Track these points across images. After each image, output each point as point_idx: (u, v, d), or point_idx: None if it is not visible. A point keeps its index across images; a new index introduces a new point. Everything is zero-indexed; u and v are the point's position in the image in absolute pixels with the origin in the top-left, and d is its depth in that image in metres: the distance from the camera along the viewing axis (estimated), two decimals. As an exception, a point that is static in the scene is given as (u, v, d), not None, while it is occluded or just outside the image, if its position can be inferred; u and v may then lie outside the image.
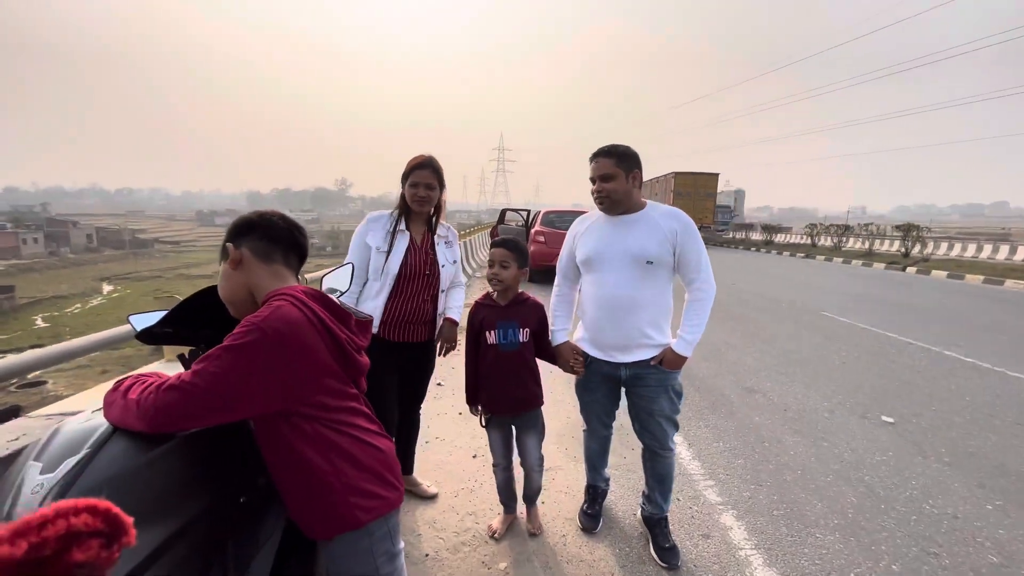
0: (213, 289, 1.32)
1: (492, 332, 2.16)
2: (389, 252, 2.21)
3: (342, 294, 1.84)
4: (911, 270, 16.94)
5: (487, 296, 2.25)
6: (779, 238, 34.40)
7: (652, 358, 2.13)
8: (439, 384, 4.30)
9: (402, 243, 2.25)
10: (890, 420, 3.94)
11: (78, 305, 44.87)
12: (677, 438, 2.66)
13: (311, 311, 1.08)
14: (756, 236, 39.49)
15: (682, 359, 2.10)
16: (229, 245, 1.15)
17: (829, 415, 4.02)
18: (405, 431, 2.57)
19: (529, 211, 12.72)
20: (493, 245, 2.19)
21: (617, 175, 2.04)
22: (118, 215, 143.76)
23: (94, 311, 43.11)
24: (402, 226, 2.27)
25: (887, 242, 24.95)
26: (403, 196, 2.27)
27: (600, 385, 2.26)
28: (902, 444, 3.52)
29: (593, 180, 2.08)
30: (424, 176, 2.22)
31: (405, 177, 2.24)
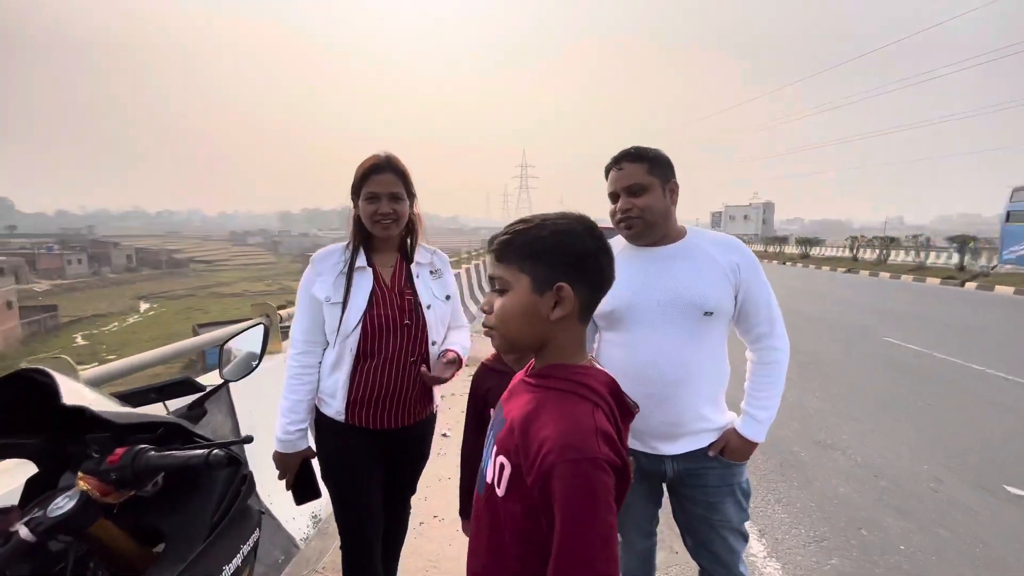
0: (22, 375, 0.91)
1: None
2: (345, 302, 1.53)
3: (255, 367, 1.22)
4: (970, 285, 15.54)
5: (498, 356, 1.56)
6: (815, 251, 32.79)
7: (710, 446, 1.48)
8: (444, 435, 3.63)
9: (363, 285, 1.56)
10: (1020, 493, 3.07)
11: (115, 323, 46.31)
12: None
13: (615, 423, 0.84)
14: (791, 249, 37.88)
15: (752, 446, 1.48)
16: (564, 285, 0.85)
17: (936, 485, 3.17)
18: (389, 535, 1.84)
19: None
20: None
21: (651, 186, 1.42)
22: (157, 236, 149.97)
23: (130, 329, 44.43)
24: (361, 261, 1.58)
25: (933, 254, 23.22)
26: (356, 218, 1.59)
27: (636, 485, 1.55)
28: (1048, 533, 2.66)
29: (615, 195, 1.47)
30: (385, 183, 1.52)
31: (356, 189, 1.55)
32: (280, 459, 1.57)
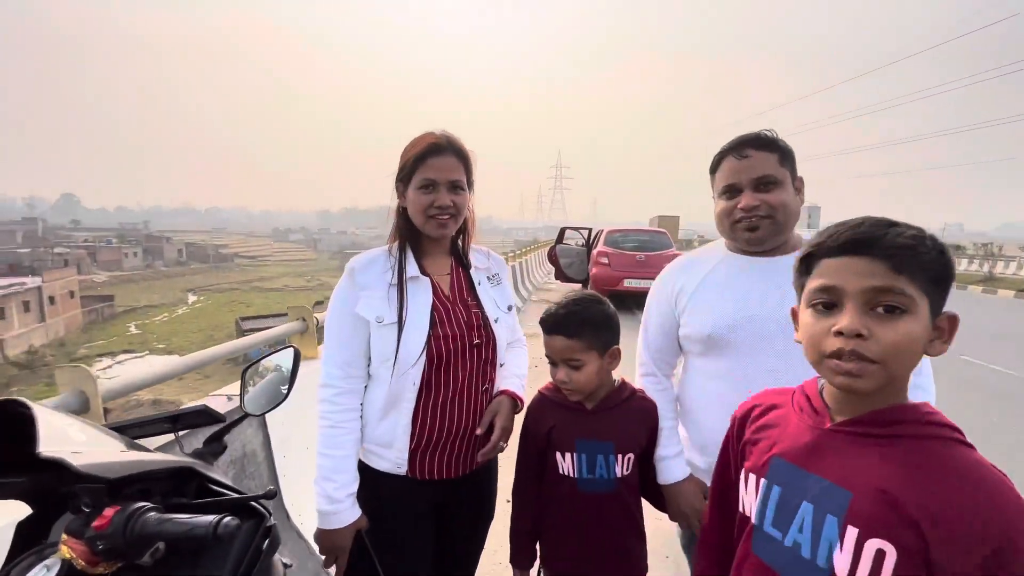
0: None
1: (569, 456, 1.24)
2: (402, 321, 1.21)
3: (283, 399, 0.99)
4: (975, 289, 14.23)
5: (556, 386, 1.31)
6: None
7: None
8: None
9: (421, 299, 1.24)
10: None
11: (165, 314, 48.61)
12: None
13: None
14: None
15: None
16: (955, 315, 0.72)
17: None
18: None
19: (591, 229, 11.70)
20: (544, 327, 1.25)
21: (784, 181, 1.17)
22: (206, 231, 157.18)
23: (179, 319, 46.57)
24: (413, 268, 1.27)
25: (1001, 263, 21.44)
26: (402, 212, 1.29)
27: None
28: None
29: (733, 190, 1.20)
30: (445, 168, 1.21)
31: (407, 176, 1.24)
32: (327, 538, 1.21)
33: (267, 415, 2.05)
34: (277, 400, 0.97)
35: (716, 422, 1.22)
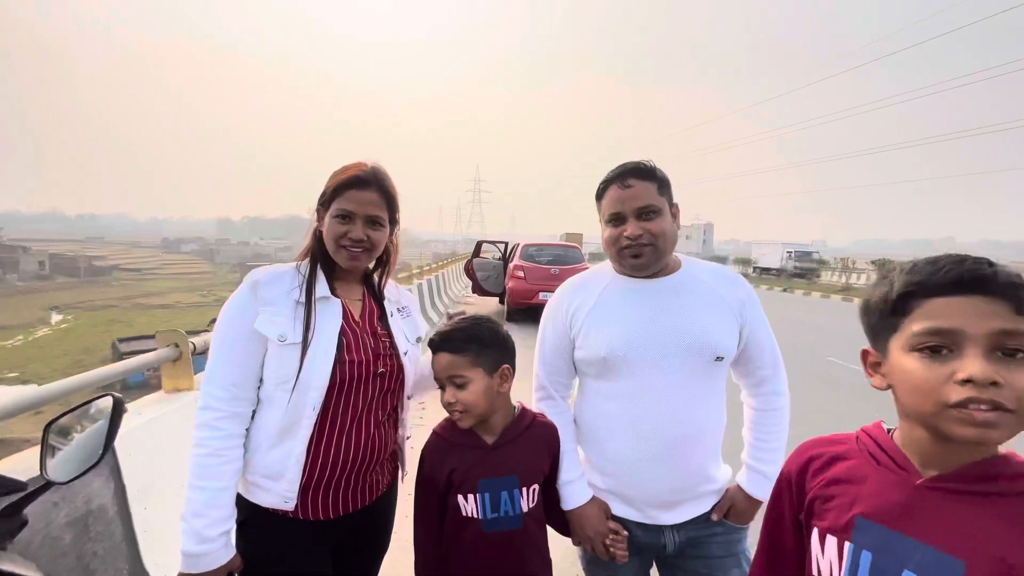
0: None
1: (472, 497, 1.17)
2: (307, 342, 1.13)
3: (97, 460, 0.79)
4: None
5: (454, 426, 1.24)
6: (752, 271, 34.61)
7: (712, 510, 1.29)
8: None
9: (330, 320, 1.17)
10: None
11: (20, 337, 41.54)
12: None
13: None
14: (732, 269, 39.92)
15: (757, 506, 1.28)
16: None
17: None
18: None
19: (507, 243, 11.85)
20: (430, 345, 1.22)
21: (663, 209, 1.23)
22: (76, 241, 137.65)
23: (38, 342, 39.97)
24: (323, 289, 1.20)
25: (854, 275, 25.07)
26: (318, 236, 1.23)
27: (628, 564, 1.30)
28: None
29: (618, 219, 1.24)
30: (364, 202, 1.18)
31: (327, 201, 1.20)
32: None
33: (125, 460, 1.78)
34: (91, 462, 0.80)
35: (616, 442, 1.26)
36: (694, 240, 68.54)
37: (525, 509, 1.18)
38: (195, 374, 2.37)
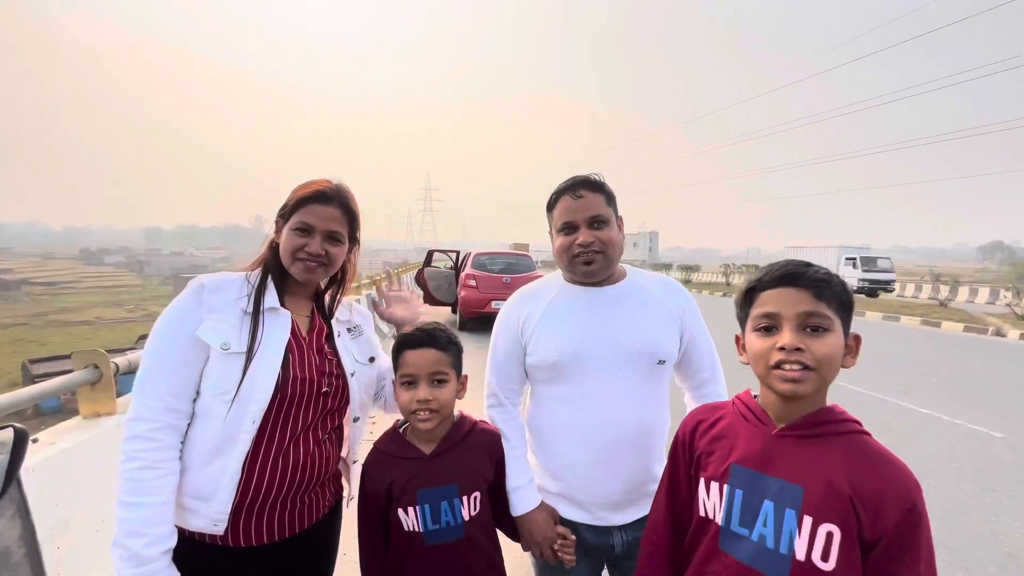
0: None
1: (412, 511, 1.14)
2: (251, 352, 1.08)
3: (2, 492, 0.72)
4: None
5: (395, 434, 1.23)
6: (695, 277, 36.27)
7: None
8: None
9: (277, 333, 1.13)
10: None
11: (-95, 362, 36.65)
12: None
13: None
14: (675, 274, 41.56)
15: None
16: (860, 336, 0.91)
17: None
18: None
19: (459, 252, 11.79)
20: (407, 343, 1.19)
21: (611, 219, 1.30)
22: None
23: (-73, 368, 35.37)
24: (273, 300, 1.16)
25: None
26: (274, 247, 1.21)
27: (579, 565, 1.32)
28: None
29: (570, 227, 1.29)
30: (325, 217, 1.17)
31: (287, 214, 1.19)
32: None
33: (34, 495, 1.59)
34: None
35: (567, 445, 1.29)
36: (640, 247, 71.11)
37: (467, 518, 1.17)
38: (118, 397, 2.18)
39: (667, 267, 47.34)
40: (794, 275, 0.86)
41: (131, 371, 2.35)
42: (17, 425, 0.75)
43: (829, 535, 0.78)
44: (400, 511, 1.15)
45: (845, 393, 6.12)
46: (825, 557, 0.78)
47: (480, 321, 9.18)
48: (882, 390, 6.27)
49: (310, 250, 1.16)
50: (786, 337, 0.83)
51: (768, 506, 0.84)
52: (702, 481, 0.94)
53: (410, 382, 1.18)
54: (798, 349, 0.82)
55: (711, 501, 0.92)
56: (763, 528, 0.84)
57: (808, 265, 0.87)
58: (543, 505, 1.30)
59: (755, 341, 0.89)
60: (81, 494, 1.76)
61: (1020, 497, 3.51)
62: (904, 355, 9.00)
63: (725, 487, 0.90)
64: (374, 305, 1.32)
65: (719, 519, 0.90)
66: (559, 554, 1.26)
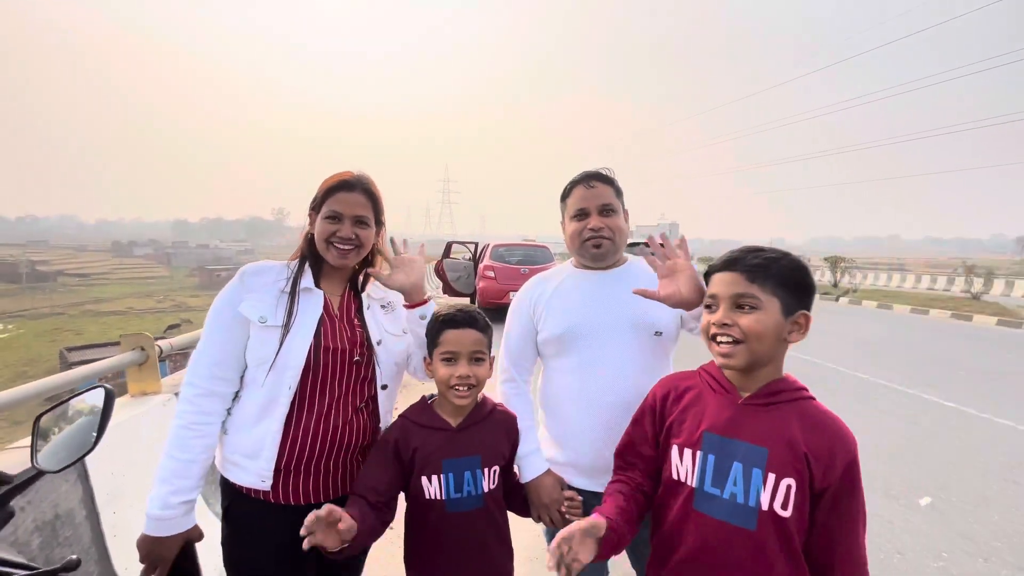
0: None
1: (436, 479, 1.22)
2: (288, 326, 1.20)
3: (89, 448, 0.84)
4: (843, 300, 17.59)
5: (424, 405, 1.30)
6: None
7: None
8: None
9: (311, 309, 1.25)
10: (926, 502, 3.30)
11: (-47, 349, 38.58)
12: None
13: None
14: (696, 266, 41.02)
15: None
16: (809, 314, 1.00)
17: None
18: None
19: (477, 244, 11.87)
20: (449, 323, 1.26)
21: (619, 210, 1.45)
22: (16, 245, 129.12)
23: (-27, 355, 37.19)
24: (308, 281, 1.29)
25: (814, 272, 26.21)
26: (310, 237, 1.33)
27: None
28: (951, 539, 2.86)
29: (583, 214, 1.42)
30: (351, 203, 1.28)
31: (317, 205, 1.31)
32: (150, 546, 1.12)
33: (93, 464, 1.74)
34: (83, 450, 0.82)
35: (573, 411, 1.39)
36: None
37: (486, 489, 1.25)
38: (161, 378, 2.33)
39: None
40: (733, 261, 0.99)
41: (171, 355, 2.50)
42: (107, 385, 0.86)
43: (788, 487, 0.90)
44: (424, 479, 1.22)
45: (870, 386, 6.05)
46: (784, 506, 0.90)
47: (497, 311, 9.27)
48: (906, 383, 6.17)
49: (341, 235, 1.27)
50: (718, 314, 0.98)
51: (737, 467, 0.94)
52: (675, 447, 1.04)
53: (450, 359, 1.24)
54: (725, 324, 0.95)
55: (684, 466, 1.02)
56: (733, 487, 0.94)
57: (754, 250, 0.98)
58: (550, 471, 1.39)
59: (703, 317, 1.03)
60: (132, 466, 1.90)
61: (1045, 491, 3.46)
62: (931, 349, 8.79)
63: (698, 453, 0.99)
64: (375, 276, 1.38)
65: (692, 482, 0.99)
66: (567, 515, 1.33)
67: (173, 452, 1.15)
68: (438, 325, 1.28)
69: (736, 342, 0.94)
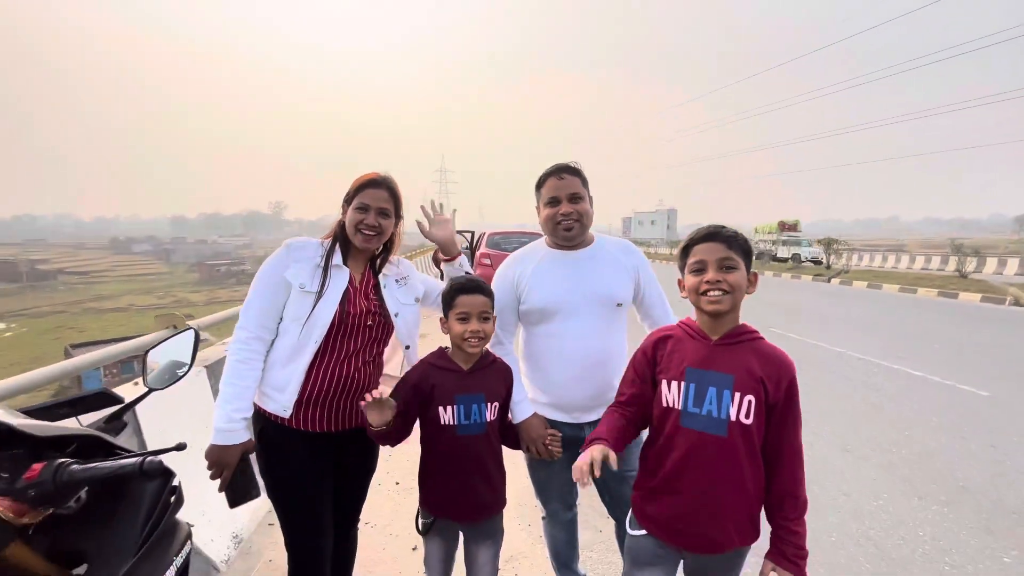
0: None
1: (450, 408, 1.56)
2: (321, 293, 1.54)
3: (181, 374, 1.17)
4: (835, 281, 17.95)
5: (441, 353, 1.64)
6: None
7: None
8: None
9: (338, 282, 1.58)
10: (870, 452, 3.67)
11: (-43, 349, 38.98)
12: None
13: None
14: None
15: None
16: (757, 274, 1.33)
17: (809, 448, 3.69)
18: (339, 561, 1.78)
19: (474, 232, 12.16)
20: (462, 290, 1.59)
21: (585, 197, 1.72)
22: (14, 244, 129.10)
23: (-21, 355, 37.61)
24: (338, 259, 1.62)
25: (803, 254, 26.64)
26: (341, 224, 1.65)
27: (561, 458, 1.75)
28: (893, 483, 3.23)
29: (555, 201, 1.70)
30: (377, 197, 1.61)
31: (349, 198, 1.63)
32: (218, 454, 1.42)
33: (145, 423, 2.06)
34: (175, 378, 1.14)
35: (553, 366, 1.73)
36: (658, 225, 69.63)
37: (488, 419, 1.59)
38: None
39: (684, 244, 46.96)
40: (714, 234, 1.32)
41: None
42: (196, 327, 1.19)
43: (750, 402, 1.22)
44: (440, 408, 1.55)
45: (845, 359, 6.40)
46: (747, 416, 1.22)
47: (495, 298, 9.55)
48: (879, 356, 6.53)
49: (367, 222, 1.58)
50: (710, 274, 1.28)
51: (712, 391, 1.26)
52: (664, 382, 1.35)
53: (464, 318, 1.55)
54: (718, 280, 1.26)
55: (671, 394, 1.32)
56: (710, 405, 1.26)
57: (723, 227, 1.33)
58: (536, 414, 1.74)
59: (691, 279, 1.32)
60: (173, 428, 2.24)
61: (986, 444, 3.82)
62: (911, 325, 9.15)
63: (682, 384, 1.31)
64: (419, 226, 1.86)
65: (679, 406, 1.30)
66: (550, 448, 1.68)
67: (231, 380, 1.46)
68: (453, 291, 1.60)
69: (725, 293, 1.25)
